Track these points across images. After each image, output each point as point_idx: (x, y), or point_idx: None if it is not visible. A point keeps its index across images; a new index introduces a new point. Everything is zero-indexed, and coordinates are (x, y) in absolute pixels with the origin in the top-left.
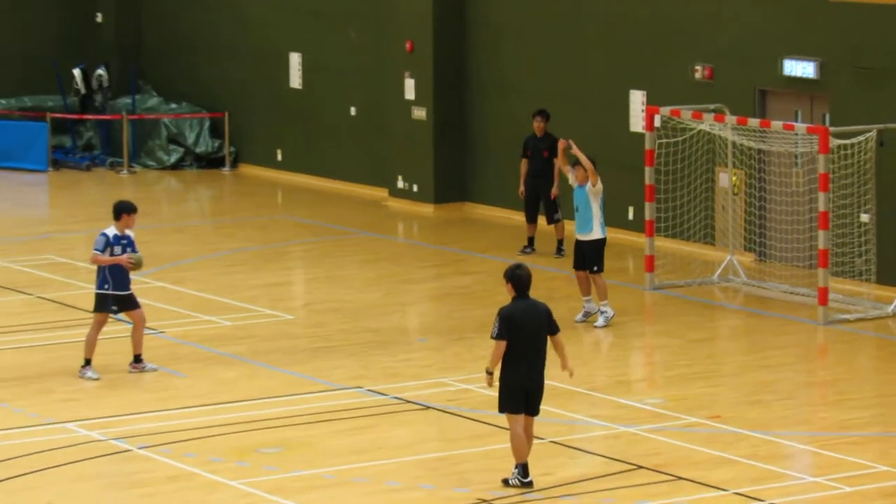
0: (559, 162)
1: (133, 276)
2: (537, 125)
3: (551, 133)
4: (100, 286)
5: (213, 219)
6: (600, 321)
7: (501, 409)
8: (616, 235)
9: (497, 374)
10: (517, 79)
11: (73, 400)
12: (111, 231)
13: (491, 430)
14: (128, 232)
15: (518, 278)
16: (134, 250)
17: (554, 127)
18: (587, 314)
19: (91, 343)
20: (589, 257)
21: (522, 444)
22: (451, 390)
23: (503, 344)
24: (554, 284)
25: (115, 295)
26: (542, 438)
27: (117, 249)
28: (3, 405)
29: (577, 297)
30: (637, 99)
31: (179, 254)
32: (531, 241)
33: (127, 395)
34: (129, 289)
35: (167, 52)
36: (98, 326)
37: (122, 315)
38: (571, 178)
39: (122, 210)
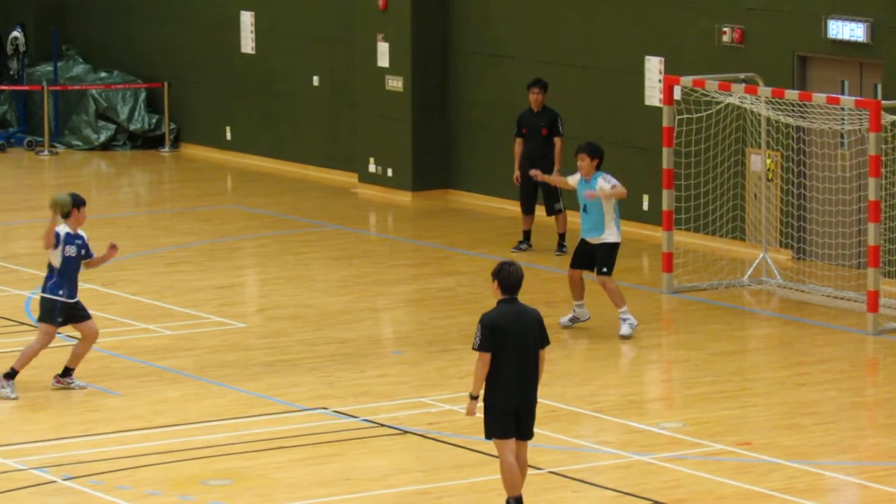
0: (553, 177)
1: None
2: (534, 98)
3: (550, 107)
4: (52, 291)
5: (150, 209)
6: (625, 329)
7: (488, 435)
8: (628, 229)
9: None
10: (511, 43)
11: None
12: (63, 229)
13: (478, 459)
14: (80, 232)
15: (507, 276)
16: (89, 254)
17: (556, 101)
18: (575, 319)
19: (29, 357)
20: (599, 258)
21: (515, 475)
22: (432, 412)
23: (487, 357)
24: (553, 287)
25: (65, 303)
26: (539, 469)
27: (70, 250)
28: None
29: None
30: (654, 67)
31: None
32: (527, 235)
33: (51, 418)
34: (76, 296)
35: (96, 11)
36: (46, 340)
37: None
38: (573, 180)
39: (73, 204)
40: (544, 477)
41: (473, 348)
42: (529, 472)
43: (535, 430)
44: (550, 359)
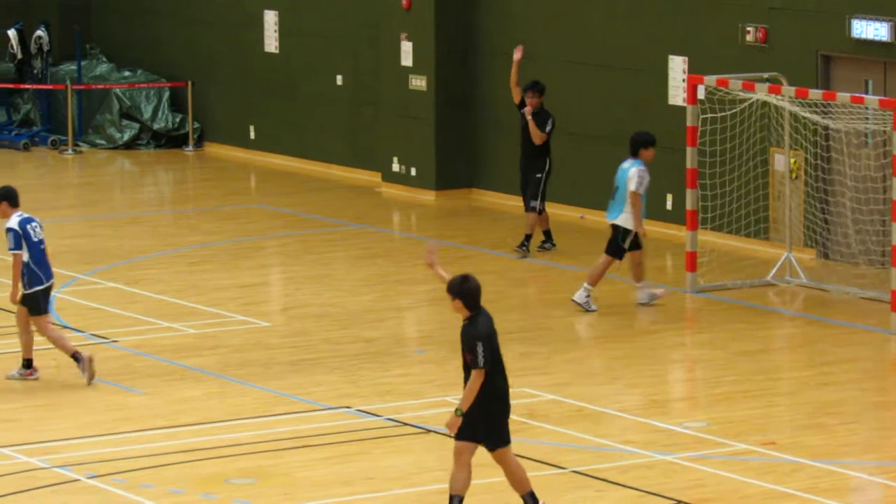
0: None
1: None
2: (531, 101)
3: (547, 109)
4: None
5: (173, 208)
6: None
7: (503, 443)
8: (652, 228)
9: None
10: (534, 42)
11: (10, 420)
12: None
13: None
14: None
15: (470, 292)
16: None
17: (578, 100)
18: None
19: (58, 341)
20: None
21: (521, 473)
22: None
23: (483, 374)
24: (580, 286)
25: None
26: (563, 468)
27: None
28: None
29: (596, 299)
30: (677, 66)
31: (135, 249)
32: (548, 234)
33: (74, 416)
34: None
35: (119, 10)
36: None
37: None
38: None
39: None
40: (568, 476)
41: (482, 366)
42: (552, 471)
43: (559, 429)
44: (575, 358)
